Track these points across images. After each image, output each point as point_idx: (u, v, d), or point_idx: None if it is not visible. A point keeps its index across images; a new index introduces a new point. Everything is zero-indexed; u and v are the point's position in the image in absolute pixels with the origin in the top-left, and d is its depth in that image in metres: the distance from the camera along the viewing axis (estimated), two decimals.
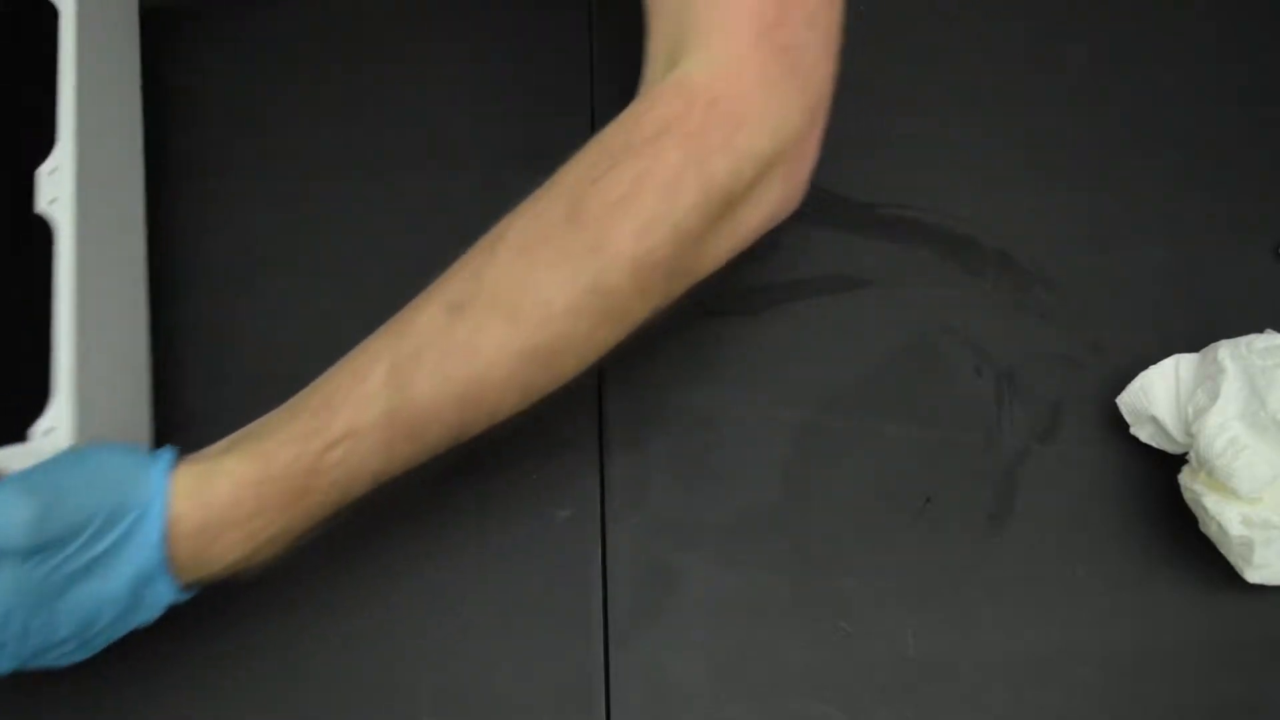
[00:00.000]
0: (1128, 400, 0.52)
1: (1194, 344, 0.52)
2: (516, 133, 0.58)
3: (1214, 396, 0.48)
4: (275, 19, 0.62)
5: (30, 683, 0.45)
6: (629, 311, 0.44)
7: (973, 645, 0.50)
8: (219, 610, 0.49)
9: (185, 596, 0.42)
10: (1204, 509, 0.49)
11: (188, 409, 0.52)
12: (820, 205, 0.59)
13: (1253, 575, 0.49)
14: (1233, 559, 0.49)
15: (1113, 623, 0.51)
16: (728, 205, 0.44)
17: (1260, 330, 0.51)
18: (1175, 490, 0.51)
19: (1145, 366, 0.52)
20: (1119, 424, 0.53)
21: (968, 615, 0.51)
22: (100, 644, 0.41)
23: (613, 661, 0.50)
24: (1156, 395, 0.51)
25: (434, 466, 0.45)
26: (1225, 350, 0.50)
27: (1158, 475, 0.52)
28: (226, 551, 0.41)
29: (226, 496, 0.41)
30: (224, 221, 0.57)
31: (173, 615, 0.43)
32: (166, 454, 0.42)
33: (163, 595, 0.41)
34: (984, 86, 0.62)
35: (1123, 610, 0.51)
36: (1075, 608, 0.51)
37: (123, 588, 0.40)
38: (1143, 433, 0.52)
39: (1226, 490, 0.48)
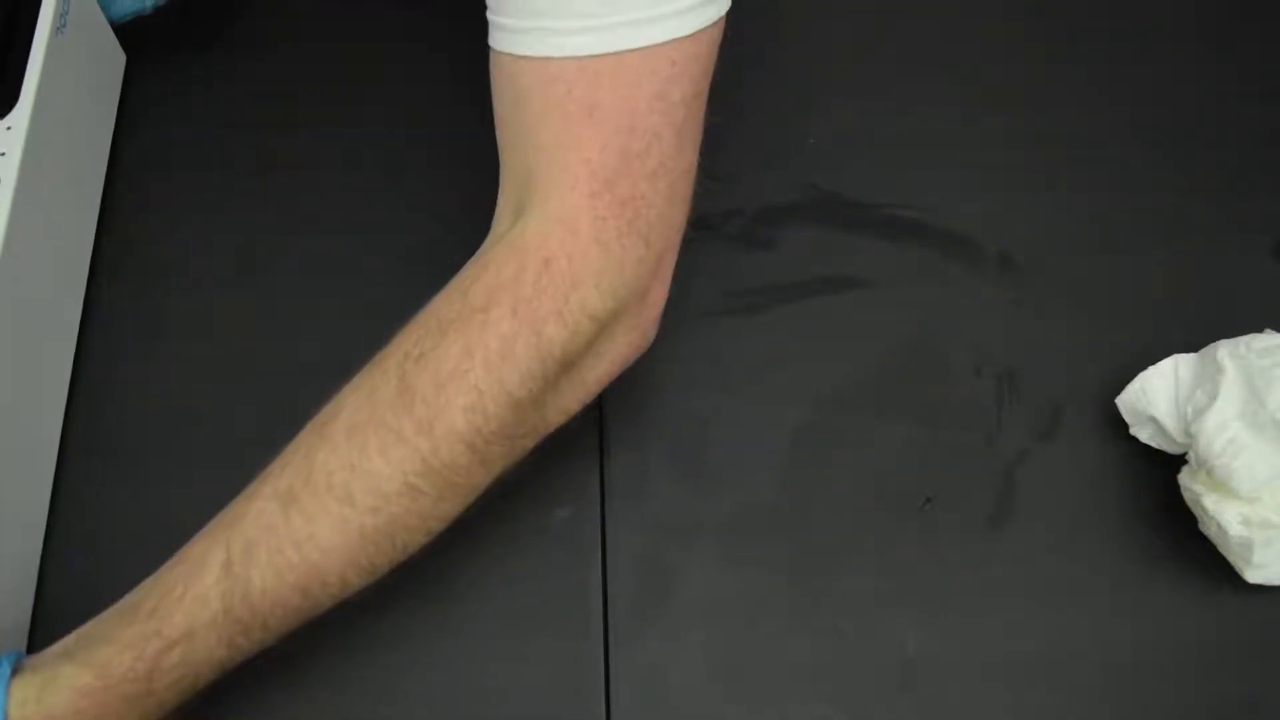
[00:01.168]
0: (1127, 400, 0.52)
1: (1194, 344, 0.52)
2: None
3: (1213, 396, 0.48)
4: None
5: None
6: (471, 481, 0.43)
7: (973, 645, 0.50)
8: None
9: None
10: (1204, 509, 0.49)
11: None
12: (820, 205, 0.59)
13: (1252, 575, 0.49)
14: (1232, 559, 0.49)
15: (1113, 623, 0.50)
16: (566, 367, 0.43)
17: (1260, 330, 0.51)
18: (1175, 490, 0.51)
19: (1145, 366, 0.52)
20: (1119, 424, 0.53)
21: (968, 615, 0.51)
22: None
23: (613, 661, 0.49)
24: (1156, 395, 0.51)
25: None
26: (1225, 350, 0.50)
27: (1158, 475, 0.52)
28: None
29: (67, 706, 0.40)
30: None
31: None
32: (6, 661, 0.41)
33: None
34: (984, 86, 0.62)
35: (1123, 610, 0.51)
36: (1075, 608, 0.51)
37: None
38: (1143, 433, 0.52)
39: (1226, 490, 0.48)
